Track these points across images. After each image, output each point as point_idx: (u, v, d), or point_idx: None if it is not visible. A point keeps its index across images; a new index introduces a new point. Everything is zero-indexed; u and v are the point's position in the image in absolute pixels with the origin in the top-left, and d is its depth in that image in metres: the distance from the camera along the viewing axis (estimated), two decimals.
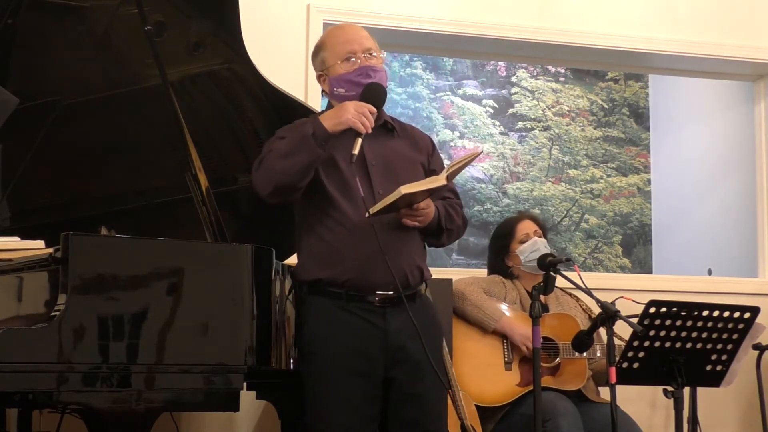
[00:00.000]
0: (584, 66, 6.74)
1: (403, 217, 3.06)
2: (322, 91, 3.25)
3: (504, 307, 4.05)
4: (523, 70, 7.63)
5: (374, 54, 3.15)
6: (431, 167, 3.23)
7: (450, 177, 3.01)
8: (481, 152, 3.21)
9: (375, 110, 3.04)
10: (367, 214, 2.98)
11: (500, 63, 7.55)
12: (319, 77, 3.22)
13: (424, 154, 3.25)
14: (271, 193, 3.05)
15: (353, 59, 3.12)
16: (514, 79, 7.67)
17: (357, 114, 2.99)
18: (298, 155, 2.99)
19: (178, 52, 3.40)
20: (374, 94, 3.08)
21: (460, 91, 7.57)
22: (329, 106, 3.22)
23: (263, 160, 3.08)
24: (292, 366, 3.18)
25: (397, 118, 3.36)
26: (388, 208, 2.98)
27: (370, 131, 3.01)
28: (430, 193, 3.05)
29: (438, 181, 2.99)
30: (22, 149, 3.38)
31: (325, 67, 3.18)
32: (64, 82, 3.40)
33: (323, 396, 3.06)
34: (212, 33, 3.41)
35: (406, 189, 2.91)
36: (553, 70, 7.65)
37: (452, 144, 7.39)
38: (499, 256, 4.22)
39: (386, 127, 3.21)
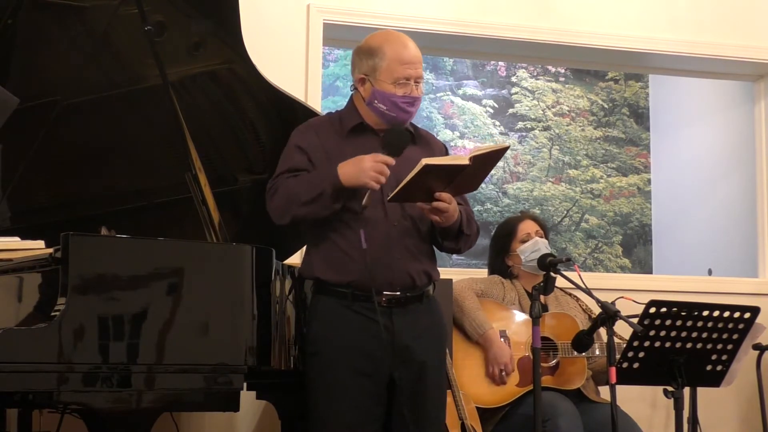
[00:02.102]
0: (584, 66, 6.73)
1: (427, 209, 3.05)
2: (353, 87, 3.19)
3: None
4: (523, 70, 7.63)
5: (421, 81, 3.14)
6: None
7: (474, 161, 2.97)
8: (509, 147, 3.19)
9: (393, 162, 3.01)
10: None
11: (500, 63, 7.54)
12: (360, 79, 3.15)
13: None
14: (286, 225, 3.12)
15: (406, 84, 3.10)
16: (514, 79, 7.66)
17: (374, 175, 2.97)
18: (314, 207, 3.03)
19: (178, 52, 3.40)
20: (398, 142, 3.05)
21: (460, 91, 7.57)
22: (350, 103, 3.21)
23: (278, 192, 3.09)
24: (292, 366, 3.19)
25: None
26: (409, 190, 2.97)
27: (384, 182, 2.99)
28: (452, 178, 3.01)
29: (460, 159, 2.99)
30: (22, 149, 3.37)
31: (374, 76, 3.11)
32: (64, 82, 3.40)
33: (328, 395, 3.07)
34: (212, 33, 3.40)
35: (428, 161, 2.91)
36: (553, 70, 7.65)
37: (452, 144, 7.39)
38: (499, 255, 4.21)
39: None
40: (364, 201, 2.99)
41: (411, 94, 3.09)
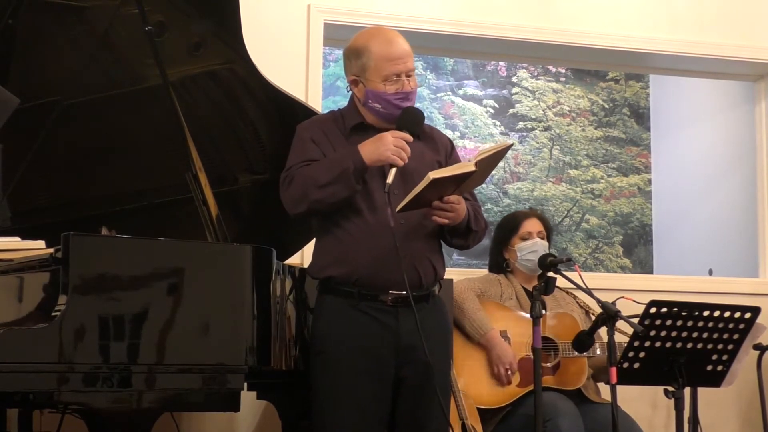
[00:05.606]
0: (585, 66, 6.73)
1: (434, 212, 3.03)
2: (349, 89, 3.18)
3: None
4: (524, 70, 7.63)
5: (413, 73, 3.11)
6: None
7: (479, 165, 2.96)
8: (512, 144, 3.18)
9: (412, 139, 3.01)
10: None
11: (501, 63, 7.54)
12: (353, 81, 3.15)
13: (442, 154, 3.23)
14: (301, 214, 3.08)
15: (396, 80, 3.08)
16: (514, 79, 7.66)
17: (396, 149, 2.97)
18: (335, 187, 3.00)
19: (178, 52, 3.40)
20: (412, 120, 3.06)
21: (460, 92, 7.56)
22: (351, 102, 3.19)
23: (294, 180, 3.06)
24: (293, 366, 3.18)
25: None
26: (418, 201, 2.97)
27: (407, 161, 3.00)
28: (459, 183, 3.01)
29: (466, 167, 2.97)
30: (23, 149, 3.38)
31: (364, 75, 3.11)
32: (65, 82, 3.40)
33: (332, 395, 3.06)
34: (213, 33, 3.40)
35: (434, 174, 2.90)
36: (554, 70, 7.65)
37: None
38: (498, 247, 4.22)
39: None
40: (389, 179, 2.96)
41: (403, 89, 3.08)
